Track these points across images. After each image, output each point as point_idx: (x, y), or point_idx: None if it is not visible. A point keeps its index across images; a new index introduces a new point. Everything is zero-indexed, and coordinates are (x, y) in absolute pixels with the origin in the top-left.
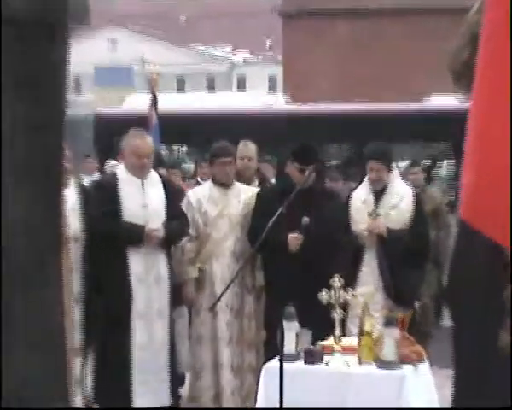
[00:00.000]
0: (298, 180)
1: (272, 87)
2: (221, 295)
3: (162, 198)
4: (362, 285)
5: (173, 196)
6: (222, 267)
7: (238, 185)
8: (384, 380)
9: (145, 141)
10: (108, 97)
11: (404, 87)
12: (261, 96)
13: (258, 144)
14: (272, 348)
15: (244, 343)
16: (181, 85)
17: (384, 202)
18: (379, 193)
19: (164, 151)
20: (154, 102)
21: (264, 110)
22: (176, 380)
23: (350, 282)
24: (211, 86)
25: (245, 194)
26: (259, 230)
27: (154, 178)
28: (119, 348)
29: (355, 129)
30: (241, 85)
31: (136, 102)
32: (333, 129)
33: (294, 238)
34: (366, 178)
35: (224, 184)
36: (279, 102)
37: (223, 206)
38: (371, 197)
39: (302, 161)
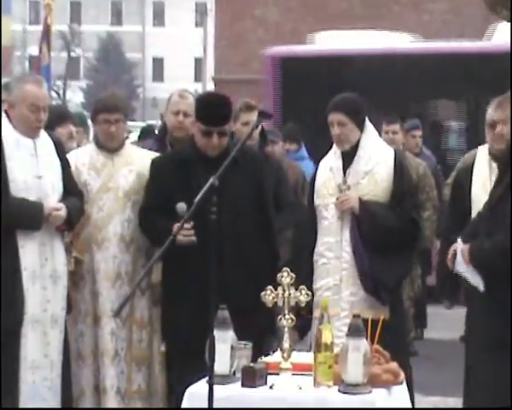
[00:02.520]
0: (200, 145)
1: (200, 20)
2: (129, 297)
3: (58, 166)
4: (324, 278)
5: (68, 162)
6: (105, 258)
7: (131, 150)
8: (348, 408)
9: (42, 89)
10: None
11: None
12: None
13: None
14: (178, 366)
15: (133, 360)
16: (76, 15)
17: (353, 169)
18: (349, 158)
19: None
20: (47, 35)
21: None
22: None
23: (309, 274)
24: (116, 18)
25: (140, 161)
26: (152, 212)
27: (45, 139)
28: (4, 368)
29: None
30: (158, 17)
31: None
32: None
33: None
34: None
35: (109, 149)
36: None
37: (107, 176)
38: (339, 163)
39: (207, 119)
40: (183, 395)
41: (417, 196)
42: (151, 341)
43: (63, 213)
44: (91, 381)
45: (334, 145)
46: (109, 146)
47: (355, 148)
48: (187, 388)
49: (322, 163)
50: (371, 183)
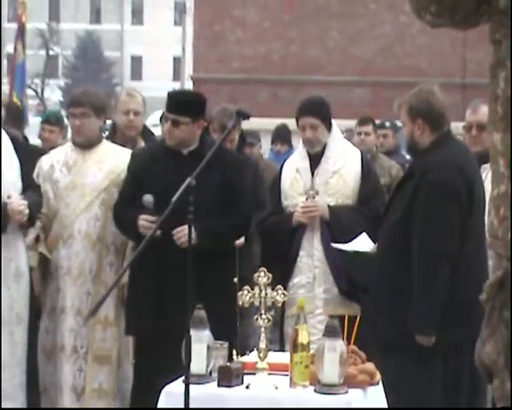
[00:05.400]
0: (166, 138)
1: (179, 18)
2: (105, 298)
3: (16, 164)
4: (297, 275)
5: (28, 159)
6: (69, 255)
7: (105, 147)
8: (324, 408)
9: None
10: None
11: None
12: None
13: None
14: (147, 365)
15: (94, 359)
16: (54, 13)
17: (321, 168)
18: (316, 159)
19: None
20: (22, 33)
21: None
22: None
23: (286, 273)
24: (95, 16)
25: (114, 158)
26: (123, 206)
27: (3, 136)
28: None
29: None
30: (137, 15)
31: None
32: None
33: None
34: (300, 142)
35: (82, 146)
36: None
37: (77, 173)
38: (307, 164)
39: (166, 104)
40: (159, 394)
41: (384, 195)
42: (117, 340)
43: (26, 211)
44: (54, 378)
45: (300, 146)
46: (77, 141)
47: (322, 149)
48: (162, 387)
49: (286, 164)
50: (340, 183)
